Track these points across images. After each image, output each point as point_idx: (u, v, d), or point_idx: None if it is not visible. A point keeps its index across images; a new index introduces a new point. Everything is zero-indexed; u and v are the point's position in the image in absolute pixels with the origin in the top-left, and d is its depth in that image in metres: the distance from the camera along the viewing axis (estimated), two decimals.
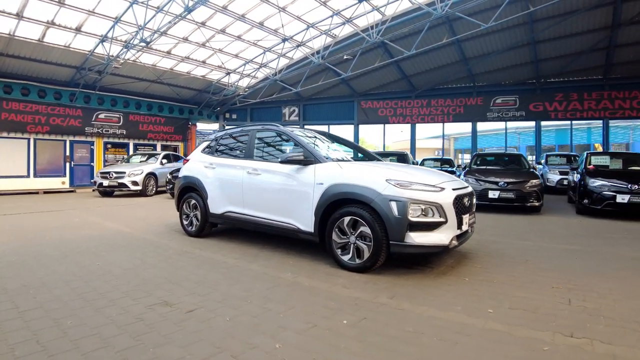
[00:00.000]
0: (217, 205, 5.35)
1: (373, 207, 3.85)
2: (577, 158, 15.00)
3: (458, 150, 30.89)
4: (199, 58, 16.93)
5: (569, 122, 19.14)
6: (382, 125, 21.77)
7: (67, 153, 16.24)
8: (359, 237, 3.96)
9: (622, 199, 7.80)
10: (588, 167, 9.28)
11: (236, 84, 19.33)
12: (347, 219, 4.03)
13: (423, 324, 2.77)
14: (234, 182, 5.15)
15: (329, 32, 15.61)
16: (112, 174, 11.71)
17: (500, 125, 20.62)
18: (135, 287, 3.42)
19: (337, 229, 4.11)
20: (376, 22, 14.46)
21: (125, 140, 18.47)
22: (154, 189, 12.27)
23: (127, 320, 2.73)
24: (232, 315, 2.86)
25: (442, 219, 3.85)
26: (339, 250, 4.12)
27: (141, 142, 19.06)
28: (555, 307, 3.12)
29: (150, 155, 13.44)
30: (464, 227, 4.15)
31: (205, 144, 5.98)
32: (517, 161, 10.86)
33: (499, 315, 2.93)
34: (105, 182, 11.64)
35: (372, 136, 23.49)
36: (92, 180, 14.72)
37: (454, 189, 4.12)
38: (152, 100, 19.62)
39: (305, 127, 4.21)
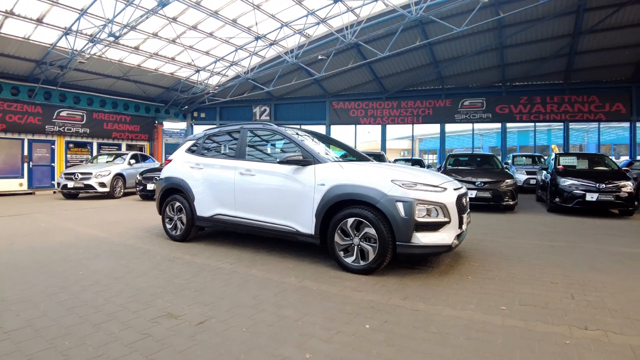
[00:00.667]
0: (205, 207, 5.07)
1: (379, 208, 3.79)
2: (542, 159, 15.78)
3: (423, 151, 31.68)
4: (169, 55, 16.27)
5: (530, 124, 20.10)
6: (354, 126, 21.90)
7: (25, 153, 15.08)
8: (363, 238, 3.88)
9: (591, 197, 8.22)
10: (558, 167, 9.71)
11: (206, 82, 18.75)
12: (350, 221, 3.93)
13: (445, 324, 2.75)
14: (224, 183, 4.91)
15: (303, 32, 15.48)
16: (77, 175, 10.95)
17: (462, 127, 21.29)
18: (131, 299, 3.13)
19: (339, 231, 4.01)
20: (351, 23, 14.49)
21: (89, 140, 17.44)
22: (122, 190, 11.61)
23: (132, 336, 2.46)
24: (248, 325, 2.67)
25: (446, 219, 3.86)
26: (342, 252, 4.02)
27: (105, 141, 18.08)
28: (561, 302, 3.21)
29: (117, 156, 12.72)
30: (464, 227, 4.18)
31: (189, 143, 5.67)
32: (490, 161, 11.20)
33: (513, 311, 2.98)
34: (70, 184, 10.86)
35: (343, 137, 23.55)
36: (53, 182, 13.75)
37: (454, 189, 4.16)
38: (117, 98, 18.68)
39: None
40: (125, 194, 12.08)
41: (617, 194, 8.11)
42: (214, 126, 5.71)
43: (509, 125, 20.42)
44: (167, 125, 22.26)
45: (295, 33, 15.51)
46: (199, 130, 25.30)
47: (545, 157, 16.22)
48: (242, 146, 4.97)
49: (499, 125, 20.41)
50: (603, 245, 5.43)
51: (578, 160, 10.26)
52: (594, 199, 8.19)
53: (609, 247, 5.33)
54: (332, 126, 22.01)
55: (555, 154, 10.56)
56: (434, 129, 21.64)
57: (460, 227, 4.04)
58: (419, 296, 3.30)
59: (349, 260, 3.96)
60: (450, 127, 21.53)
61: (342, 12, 14.18)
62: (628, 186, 8.16)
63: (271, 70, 17.28)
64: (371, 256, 3.83)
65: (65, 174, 11.23)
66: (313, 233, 4.17)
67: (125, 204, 10.17)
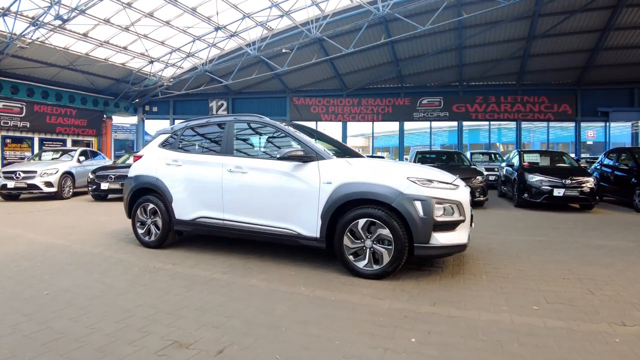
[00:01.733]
0: (186, 209, 4.48)
1: (394, 208, 3.50)
2: (498, 156, 16.46)
3: (377, 149, 32.23)
4: (120, 43, 14.92)
5: (479, 122, 20.93)
6: (315, 122, 21.58)
7: None
8: (376, 240, 3.57)
9: (558, 192, 8.56)
10: (524, 164, 10.05)
11: (160, 74, 17.50)
12: (362, 222, 3.60)
13: (490, 330, 2.58)
14: (209, 182, 4.35)
15: (266, 24, 14.90)
16: (19, 174, 9.57)
17: (416, 125, 21.77)
18: (121, 325, 2.55)
19: (348, 233, 3.65)
20: (316, 17, 14.15)
21: (29, 135, 15.61)
22: (71, 190, 10.36)
23: None
24: (278, 350, 2.23)
25: (461, 217, 3.70)
26: (351, 256, 3.67)
27: (48, 136, 16.28)
28: (584, 298, 3.19)
29: (64, 152, 11.34)
30: (473, 225, 4.05)
31: (162, 137, 5.00)
32: (458, 158, 11.40)
33: (546, 311, 2.92)
34: (11, 184, 9.47)
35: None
36: None
37: (465, 186, 4.01)
38: (62, 89, 16.91)
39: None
40: (75, 194, 10.80)
41: (581, 189, 8.51)
42: (194, 118, 5.07)
43: (453, 124, 21.20)
44: (117, 119, 20.59)
45: (257, 25, 14.88)
46: (152, 125, 23.99)
47: (501, 155, 16.96)
48: (229, 140, 4.44)
49: (450, 123, 21.13)
50: (583, 239, 5.58)
51: (540, 157, 10.71)
52: (561, 194, 8.53)
53: (591, 241, 5.49)
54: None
55: (519, 151, 10.96)
56: (387, 126, 21.98)
57: (470, 224, 3.92)
58: (447, 301, 3.10)
59: (361, 264, 3.63)
60: (406, 125, 21.90)
61: (307, 5, 13.78)
62: (590, 182, 8.59)
63: (230, 63, 16.48)
64: (385, 259, 3.54)
65: (4, 172, 9.78)
66: (318, 236, 3.78)
67: (78, 206, 9.05)
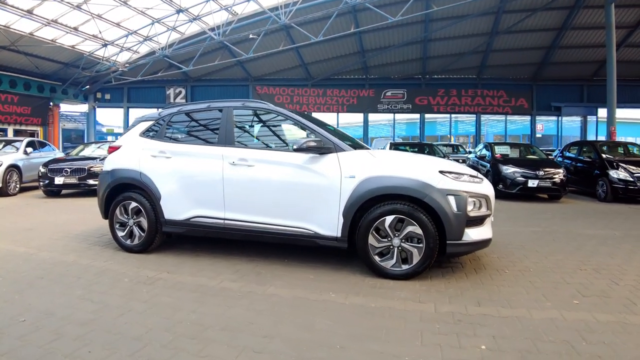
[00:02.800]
0: (178, 208, 3.91)
1: (426, 203, 3.25)
2: (460, 147, 16.93)
3: None
4: (70, 23, 13.30)
5: (439, 115, 21.43)
6: None
7: None
8: (405, 238, 3.29)
9: (532, 183, 8.82)
10: (496, 156, 10.27)
11: (114, 58, 15.96)
12: (389, 219, 3.30)
13: (551, 329, 2.48)
14: (207, 176, 3.81)
15: (231, 8, 14.04)
16: None
17: (378, 116, 21.89)
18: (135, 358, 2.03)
19: (374, 232, 3.33)
20: (285, 3, 13.56)
21: None
22: (18, 185, 9.04)
23: None
24: None
25: (488, 211, 3.55)
26: (377, 256, 3.36)
27: None
28: (613, 289, 3.21)
29: (7, 143, 9.86)
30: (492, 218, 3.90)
31: (144, 125, 4.34)
32: (431, 150, 11.47)
33: (588, 305, 2.89)
34: None
35: None
36: None
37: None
38: (1, 73, 14.99)
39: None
40: (22, 190, 9.46)
41: (553, 180, 8.82)
42: (183, 103, 4.47)
43: (407, 116, 21.61)
44: (65, 107, 18.63)
45: (222, 9, 13.98)
46: (105, 114, 21.96)
47: (463, 146, 17.47)
48: (228, 129, 3.90)
49: (409, 115, 21.47)
50: (572, 229, 5.72)
51: (511, 149, 11.02)
52: (535, 185, 8.79)
53: (579, 230, 5.64)
54: (136, 117, 20.87)
55: (490, 144, 11.21)
56: (350, 118, 21.94)
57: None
58: (488, 299, 2.96)
59: (388, 264, 3.34)
60: (349, 118, 21.92)
61: None
62: (560, 173, 8.93)
63: (192, 48, 15.40)
64: (415, 259, 3.28)
65: None
66: (339, 235, 3.42)
67: (29, 204, 7.87)
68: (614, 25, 11.68)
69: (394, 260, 3.33)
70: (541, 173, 8.85)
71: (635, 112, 18.52)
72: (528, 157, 10.40)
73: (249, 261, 3.83)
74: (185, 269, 3.58)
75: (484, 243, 3.48)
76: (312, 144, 3.46)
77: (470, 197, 3.32)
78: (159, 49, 15.36)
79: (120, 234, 4.17)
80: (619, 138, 15.49)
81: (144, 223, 4.04)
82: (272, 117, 4.05)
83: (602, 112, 18.05)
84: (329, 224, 3.45)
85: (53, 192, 8.66)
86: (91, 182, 8.30)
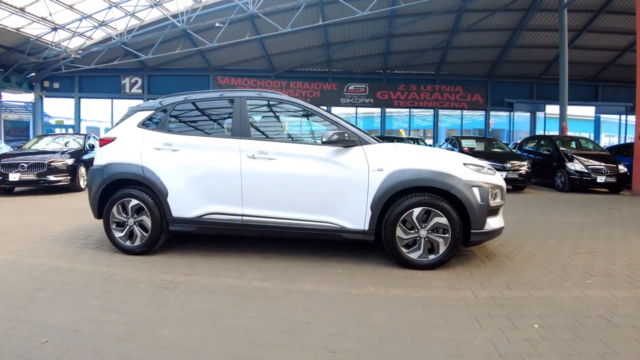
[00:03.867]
0: (188, 205, 3.64)
1: (453, 195, 3.33)
2: (420, 141, 17.49)
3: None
4: (16, 3, 11.84)
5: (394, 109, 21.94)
6: None
7: None
8: (432, 229, 3.35)
9: (501, 175, 9.29)
10: (463, 149, 10.73)
11: (65, 44, 14.52)
12: (417, 211, 3.34)
13: (583, 307, 2.69)
14: (223, 170, 3.58)
15: None
16: None
17: (338, 110, 21.98)
18: None
19: (401, 223, 3.35)
20: None
21: None
22: None
23: None
24: None
25: (502, 201, 3.73)
26: (404, 247, 3.39)
27: None
28: (613, 269, 3.55)
29: None
30: None
31: (142, 114, 3.97)
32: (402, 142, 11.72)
33: (601, 283, 3.16)
34: None
35: None
36: None
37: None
38: None
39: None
40: None
41: (519, 172, 9.39)
42: (188, 92, 4.16)
43: (366, 110, 22.04)
44: (7, 96, 16.67)
45: None
46: (53, 105, 19.94)
47: (424, 140, 18.07)
48: (242, 121, 3.69)
49: (367, 109, 21.82)
50: (549, 217, 6.14)
51: (476, 143, 11.56)
52: (504, 177, 9.22)
53: (556, 218, 6.06)
54: (129, 106, 20.09)
55: (456, 137, 11.70)
56: None
57: None
58: (515, 283, 3.15)
59: (415, 255, 3.39)
60: (331, 110, 22.06)
61: None
62: (525, 165, 9.52)
63: (151, 35, 14.48)
64: (442, 248, 3.37)
65: None
66: (366, 228, 3.40)
67: None
68: (566, 28, 12.64)
69: (421, 251, 3.38)
70: (508, 165, 9.39)
71: (578, 109, 20.08)
72: (493, 150, 10.97)
73: (265, 258, 3.68)
74: (202, 270, 3.34)
75: (499, 231, 3.64)
76: (341, 136, 3.38)
77: (492, 188, 3.47)
78: (116, 36, 14.22)
79: (118, 234, 3.80)
80: (555, 133, 16.89)
81: (147, 222, 3.71)
82: (288, 109, 3.90)
83: (550, 109, 19.58)
84: (355, 217, 3.40)
85: (6, 189, 7.77)
86: (52, 178, 7.58)
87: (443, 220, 3.31)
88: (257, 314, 2.50)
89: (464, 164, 3.45)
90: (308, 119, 3.87)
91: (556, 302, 2.75)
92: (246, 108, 3.74)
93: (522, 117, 21.16)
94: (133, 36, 13.94)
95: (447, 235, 3.34)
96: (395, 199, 3.37)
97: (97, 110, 19.16)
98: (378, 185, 3.34)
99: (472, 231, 3.37)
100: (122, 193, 3.78)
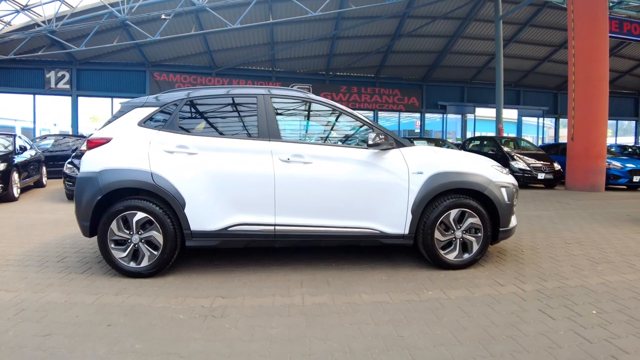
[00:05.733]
0: (210, 216, 3.23)
1: (486, 196, 3.45)
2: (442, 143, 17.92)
3: None
4: None
5: None
6: None
7: None
8: (466, 230, 3.44)
9: None
10: None
11: None
12: (454, 212, 3.40)
13: (616, 290, 3.00)
14: (254, 176, 3.24)
15: None
16: None
17: None
18: None
19: (439, 225, 3.37)
20: None
21: None
22: None
23: None
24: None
25: (517, 200, 3.89)
26: (441, 249, 3.42)
27: None
28: (607, 256, 3.94)
29: None
30: None
31: (143, 111, 3.42)
32: None
33: (608, 269, 3.53)
34: None
35: None
36: None
37: None
38: None
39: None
40: None
41: None
42: (199, 87, 3.70)
43: None
44: None
45: None
46: None
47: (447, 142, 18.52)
48: (269, 120, 3.38)
49: None
50: (518, 212, 6.53)
51: (427, 144, 12.19)
52: None
53: (526, 212, 6.52)
54: (122, 101, 18.60)
55: (408, 139, 12.22)
56: None
57: None
58: (544, 275, 3.35)
59: (451, 256, 3.44)
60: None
61: None
62: None
63: (85, 25, 12.85)
64: (475, 248, 3.47)
65: None
66: (406, 232, 3.34)
67: None
68: (501, 38, 13.89)
69: (456, 252, 3.44)
70: None
71: (503, 112, 22.11)
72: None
73: (297, 270, 3.43)
74: (237, 290, 2.99)
75: (515, 228, 3.80)
76: (385, 139, 3.30)
77: (515, 188, 3.64)
78: (42, 22, 12.34)
79: (119, 255, 3.23)
80: (486, 133, 18.56)
81: (158, 238, 3.22)
82: (317, 109, 3.69)
83: (479, 111, 21.36)
84: (396, 221, 3.32)
85: None
86: None
87: (476, 220, 3.40)
88: (343, 333, 2.29)
89: (492, 166, 3.58)
90: (337, 120, 3.70)
91: (590, 288, 3.02)
92: (272, 106, 3.44)
93: (453, 119, 22.80)
94: (64, 24, 12.22)
95: (479, 234, 3.44)
96: (432, 202, 3.37)
97: (14, 107, 16.53)
98: (418, 189, 3.31)
99: (500, 229, 3.51)
100: (125, 205, 3.23)
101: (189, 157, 3.27)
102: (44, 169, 9.59)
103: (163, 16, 12.10)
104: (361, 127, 3.59)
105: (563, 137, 22.98)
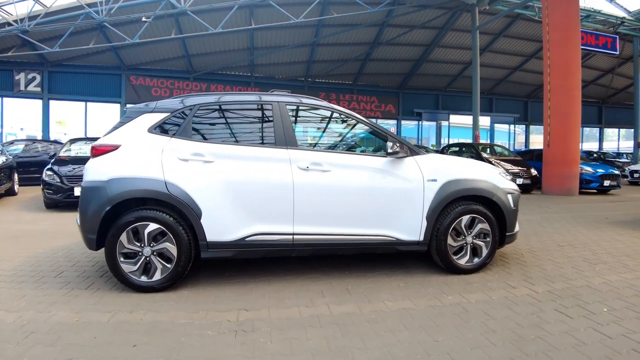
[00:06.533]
0: (228, 226, 3.16)
1: (494, 202, 3.59)
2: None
3: None
4: None
5: None
6: None
7: None
8: (476, 235, 3.56)
9: None
10: None
11: None
12: (465, 218, 3.51)
13: (619, 288, 3.21)
14: (273, 184, 3.20)
15: None
16: None
17: None
18: None
19: (452, 232, 3.47)
20: None
21: None
22: None
23: None
24: None
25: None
26: (453, 254, 3.52)
27: None
28: (601, 257, 4.19)
29: None
30: None
31: (152, 117, 3.30)
32: None
33: (605, 270, 3.74)
34: None
35: None
36: None
37: None
38: None
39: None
40: None
41: None
42: (213, 93, 3.62)
43: None
44: None
45: None
46: None
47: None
48: (286, 128, 3.37)
49: None
50: None
51: None
52: None
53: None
54: (128, 105, 18.05)
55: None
56: None
57: None
58: (550, 277, 3.53)
59: (463, 261, 3.56)
60: None
61: None
62: None
63: (60, 26, 12.30)
64: (484, 252, 3.60)
65: None
66: (421, 239, 3.42)
67: None
68: (478, 47, 14.44)
69: (467, 257, 3.55)
70: None
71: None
72: None
73: (314, 280, 3.41)
74: (257, 302, 2.92)
75: (518, 232, 3.95)
76: (402, 147, 3.38)
77: (518, 193, 3.80)
78: (14, 22, 11.69)
79: (129, 268, 3.09)
80: (461, 140, 19.16)
81: (172, 250, 3.12)
82: (332, 116, 3.71)
83: (453, 118, 22.00)
84: (411, 228, 3.39)
85: None
86: None
87: (485, 225, 3.53)
88: (381, 342, 2.31)
89: (499, 173, 3.73)
90: (352, 128, 3.74)
91: (595, 288, 3.20)
92: (287, 114, 3.43)
93: (428, 126, 23.39)
94: (37, 24, 11.63)
95: (488, 239, 3.57)
96: (445, 209, 3.46)
97: None
98: (433, 196, 3.39)
99: (507, 234, 3.66)
100: (136, 216, 3.10)
101: (205, 165, 3.20)
102: (16, 176, 9.09)
103: (144, 18, 11.76)
104: (376, 135, 3.65)
105: (534, 144, 24.10)
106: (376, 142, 4.16)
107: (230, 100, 3.52)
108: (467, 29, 16.75)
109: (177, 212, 3.15)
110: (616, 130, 28.25)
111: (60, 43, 12.39)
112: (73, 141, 9.19)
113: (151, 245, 3.12)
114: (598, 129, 27.28)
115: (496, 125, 22.92)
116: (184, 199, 3.11)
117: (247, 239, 3.20)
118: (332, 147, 3.79)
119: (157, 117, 3.34)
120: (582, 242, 4.84)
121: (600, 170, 10.55)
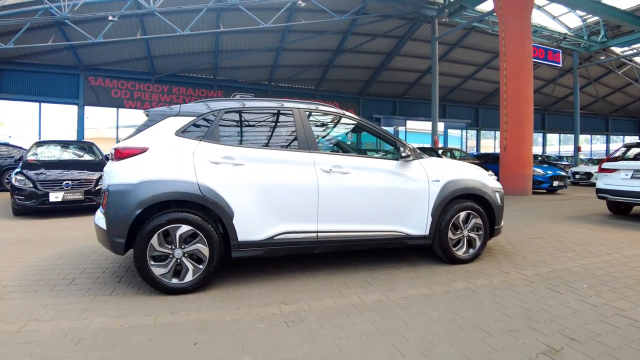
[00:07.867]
0: (258, 226, 3.36)
1: (485, 199, 4.12)
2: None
3: None
4: None
5: None
6: (116, 109, 18.06)
7: None
8: (471, 229, 4.06)
9: None
10: None
11: None
12: (462, 214, 4.00)
13: (608, 266, 3.93)
14: (300, 186, 3.46)
15: None
16: None
17: None
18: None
19: (451, 226, 3.94)
20: None
21: None
22: None
23: None
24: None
25: None
26: (453, 246, 3.99)
27: None
28: (571, 245, 4.87)
29: None
30: None
31: (179, 121, 3.39)
32: None
33: (578, 256, 4.38)
34: None
35: (100, 121, 18.48)
36: None
37: None
38: None
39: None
40: None
41: None
42: (239, 98, 3.74)
43: None
44: None
45: None
46: None
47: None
48: (307, 132, 3.64)
49: None
50: None
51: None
52: None
53: None
54: (86, 107, 17.20)
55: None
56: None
57: None
58: (537, 263, 4.09)
59: (461, 252, 4.03)
60: None
61: None
62: None
63: (15, 21, 11.50)
64: (477, 244, 4.10)
65: None
66: (427, 234, 3.85)
67: None
68: (437, 57, 15.44)
69: (464, 248, 4.04)
70: None
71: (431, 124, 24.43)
72: None
73: (333, 274, 3.69)
74: (291, 297, 3.13)
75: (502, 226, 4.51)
76: (412, 151, 3.80)
77: (503, 191, 4.36)
78: None
79: (159, 271, 3.16)
80: (419, 144, 20.29)
81: (203, 251, 3.24)
82: (344, 122, 4.05)
83: (410, 124, 23.14)
84: (419, 224, 3.80)
85: None
86: None
87: (478, 220, 4.04)
88: (419, 322, 2.64)
89: (489, 174, 4.27)
90: (362, 133, 4.08)
91: (572, 270, 3.80)
92: (307, 120, 3.72)
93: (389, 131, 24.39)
94: None
95: (480, 232, 4.07)
96: (446, 206, 3.92)
97: None
98: (436, 194, 3.84)
99: (495, 227, 4.20)
100: (168, 218, 3.19)
101: (236, 168, 3.36)
102: None
103: (110, 17, 11.35)
104: (384, 140, 4.04)
105: (485, 148, 25.94)
106: (378, 146, 4.56)
107: (254, 106, 3.72)
108: (426, 39, 17.84)
109: (207, 214, 3.30)
110: (557, 135, 31.15)
111: (15, 39, 11.61)
112: (39, 144, 8.73)
113: (182, 247, 3.21)
114: (542, 134, 29.92)
115: (449, 131, 24.41)
116: (218, 200, 3.25)
117: (275, 238, 3.41)
118: (345, 151, 4.12)
119: (184, 121, 3.45)
120: (550, 235, 5.54)
121: (550, 172, 11.77)
